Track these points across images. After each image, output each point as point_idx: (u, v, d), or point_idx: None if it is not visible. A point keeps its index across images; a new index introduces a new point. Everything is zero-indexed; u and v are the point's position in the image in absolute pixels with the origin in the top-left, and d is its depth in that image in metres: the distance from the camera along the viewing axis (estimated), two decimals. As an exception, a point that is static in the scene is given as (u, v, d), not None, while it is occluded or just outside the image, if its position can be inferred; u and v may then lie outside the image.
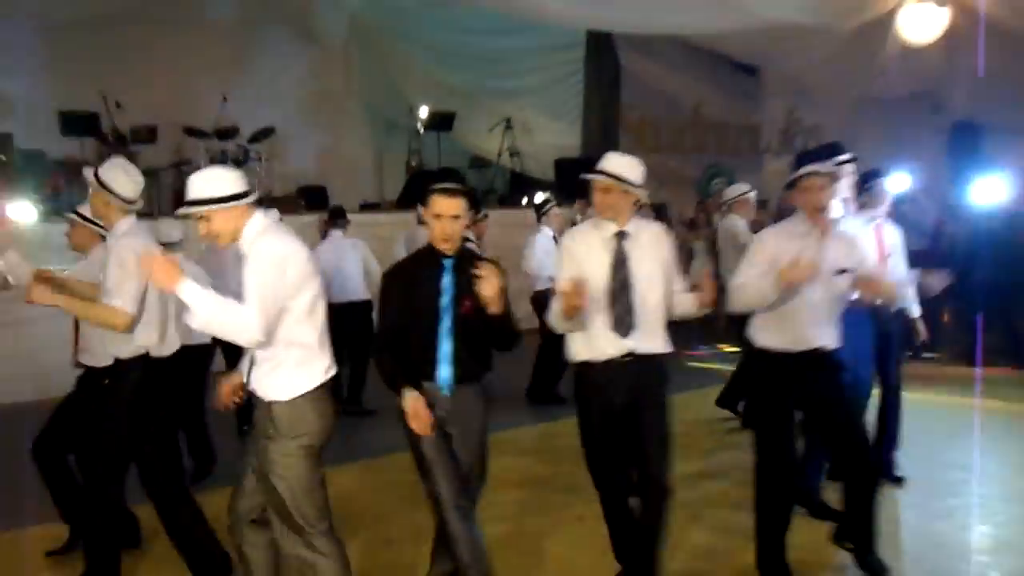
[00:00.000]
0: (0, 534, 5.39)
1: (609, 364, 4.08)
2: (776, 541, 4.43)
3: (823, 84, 12.78)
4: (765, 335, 4.42)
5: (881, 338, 5.57)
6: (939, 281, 5.68)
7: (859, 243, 4.70)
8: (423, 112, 13.99)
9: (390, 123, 15.12)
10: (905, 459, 6.22)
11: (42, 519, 5.33)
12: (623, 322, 4.05)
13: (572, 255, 4.17)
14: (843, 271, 4.30)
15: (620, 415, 4.10)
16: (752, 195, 7.66)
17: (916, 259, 6.16)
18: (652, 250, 4.14)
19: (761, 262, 4.28)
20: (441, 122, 13.99)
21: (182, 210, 3.66)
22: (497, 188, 14.35)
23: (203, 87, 11.89)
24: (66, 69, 11.29)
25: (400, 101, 14.54)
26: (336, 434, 3.67)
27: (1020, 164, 9.84)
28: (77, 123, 10.98)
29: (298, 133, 12.58)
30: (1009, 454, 6.81)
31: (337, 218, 8.35)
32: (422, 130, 14.05)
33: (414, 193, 12.35)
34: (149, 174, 11.54)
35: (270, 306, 3.38)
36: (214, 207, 3.54)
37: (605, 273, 4.08)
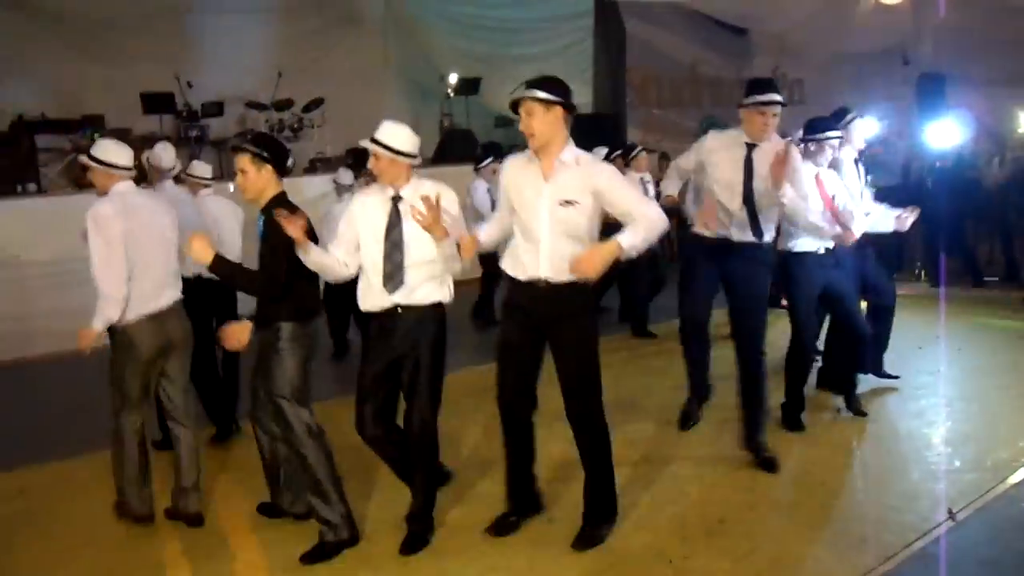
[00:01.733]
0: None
1: (381, 315, 4.06)
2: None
3: (804, 42, 12.71)
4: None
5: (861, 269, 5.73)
6: (909, 216, 5.68)
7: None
8: (452, 79, 14.05)
9: (424, 90, 15.15)
10: (886, 366, 6.44)
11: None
12: (392, 278, 3.98)
13: (352, 216, 4.08)
14: None
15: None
16: None
17: (889, 194, 6.31)
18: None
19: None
20: (468, 87, 14.06)
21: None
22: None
23: (261, 66, 12.00)
24: (145, 56, 11.42)
25: (431, 70, 14.58)
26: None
27: (978, 110, 9.83)
28: (156, 102, 11.15)
29: (344, 102, 12.65)
30: (969, 360, 6.99)
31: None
32: (452, 94, 14.13)
33: (448, 150, 12.55)
34: (218, 143, 11.90)
35: None
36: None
37: (380, 234, 3.99)
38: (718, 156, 5.05)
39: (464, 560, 4.04)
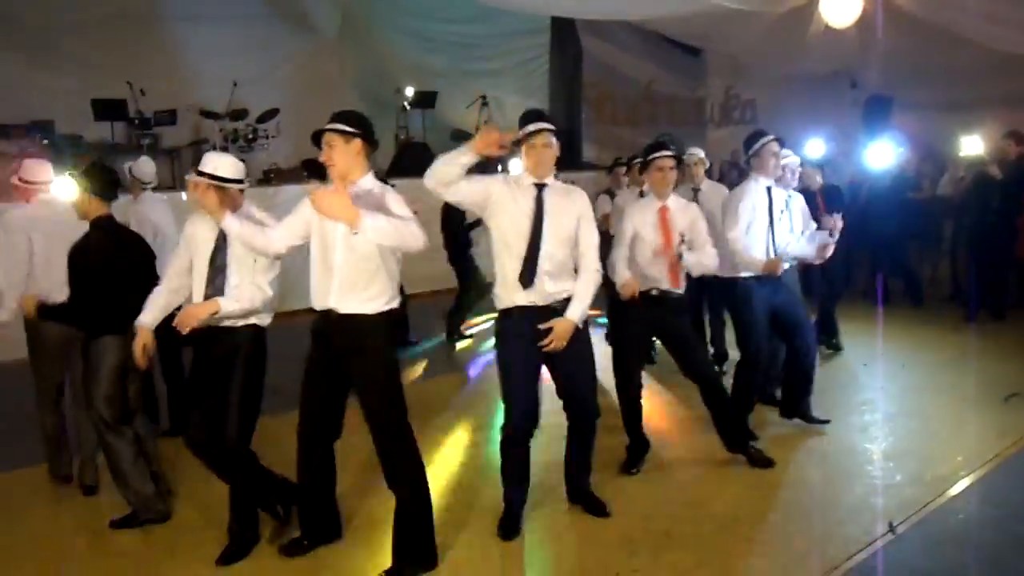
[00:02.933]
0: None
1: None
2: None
3: (756, 63, 12.92)
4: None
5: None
6: (830, 246, 5.61)
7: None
8: (408, 92, 14.04)
9: (380, 102, 15.07)
10: (832, 383, 6.55)
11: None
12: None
13: (187, 239, 4.25)
14: None
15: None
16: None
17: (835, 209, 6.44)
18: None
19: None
20: (424, 100, 14.08)
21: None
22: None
23: (216, 75, 11.83)
24: (97, 63, 11.25)
25: (388, 83, 14.54)
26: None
27: (921, 132, 10.07)
28: (108, 109, 10.97)
29: (299, 113, 12.54)
30: (909, 378, 7.13)
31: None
32: (408, 108, 14.13)
33: (403, 163, 12.54)
34: (171, 152, 11.76)
35: None
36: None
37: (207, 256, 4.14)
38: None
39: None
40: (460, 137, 14.83)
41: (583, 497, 4.66)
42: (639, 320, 5.08)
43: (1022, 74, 10.16)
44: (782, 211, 5.49)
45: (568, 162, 12.29)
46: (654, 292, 5.02)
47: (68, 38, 11.19)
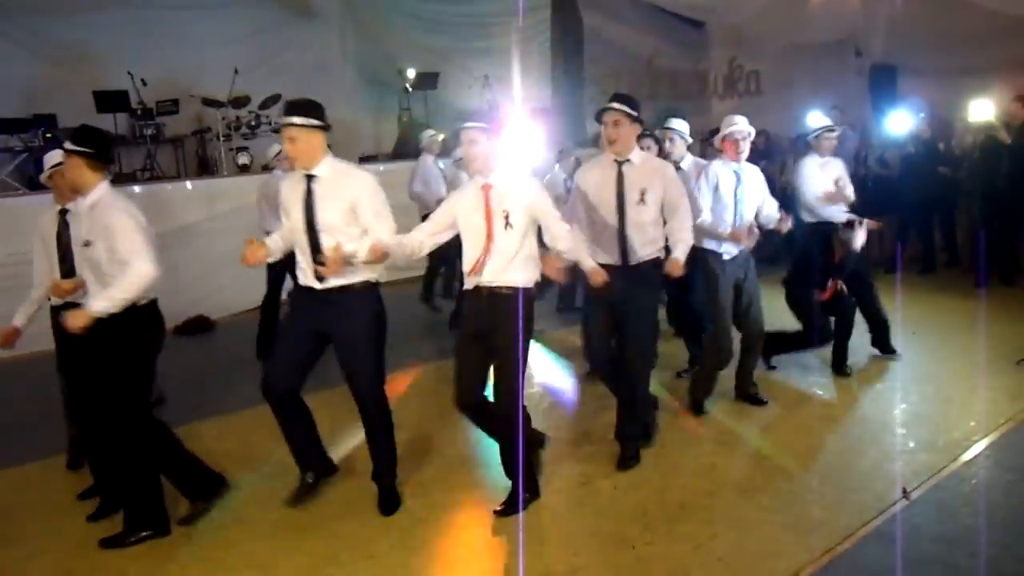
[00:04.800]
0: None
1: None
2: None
3: (759, 34, 12.81)
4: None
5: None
6: (861, 235, 5.97)
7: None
8: (411, 73, 13.99)
9: (382, 85, 15.07)
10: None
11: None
12: None
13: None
14: None
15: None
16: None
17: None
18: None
19: None
20: (427, 81, 14.03)
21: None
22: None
23: (217, 63, 11.78)
24: (98, 54, 11.23)
25: (390, 65, 14.49)
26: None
27: (927, 99, 10.01)
28: (110, 101, 10.95)
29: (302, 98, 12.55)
30: (923, 343, 7.13)
31: None
32: (411, 89, 14.08)
33: (406, 145, 12.52)
34: (175, 141, 11.76)
35: None
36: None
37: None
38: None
39: (431, 552, 4.06)
40: (463, 118, 14.83)
41: None
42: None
43: (1028, 38, 10.08)
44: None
45: (574, 138, 12.27)
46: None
47: (69, 30, 11.17)
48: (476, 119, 4.31)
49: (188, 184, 10.18)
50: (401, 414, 4.76)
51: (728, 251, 5.50)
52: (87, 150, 4.18)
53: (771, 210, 5.70)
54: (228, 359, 7.88)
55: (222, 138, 11.73)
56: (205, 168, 11.98)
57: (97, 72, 11.08)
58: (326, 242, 4.17)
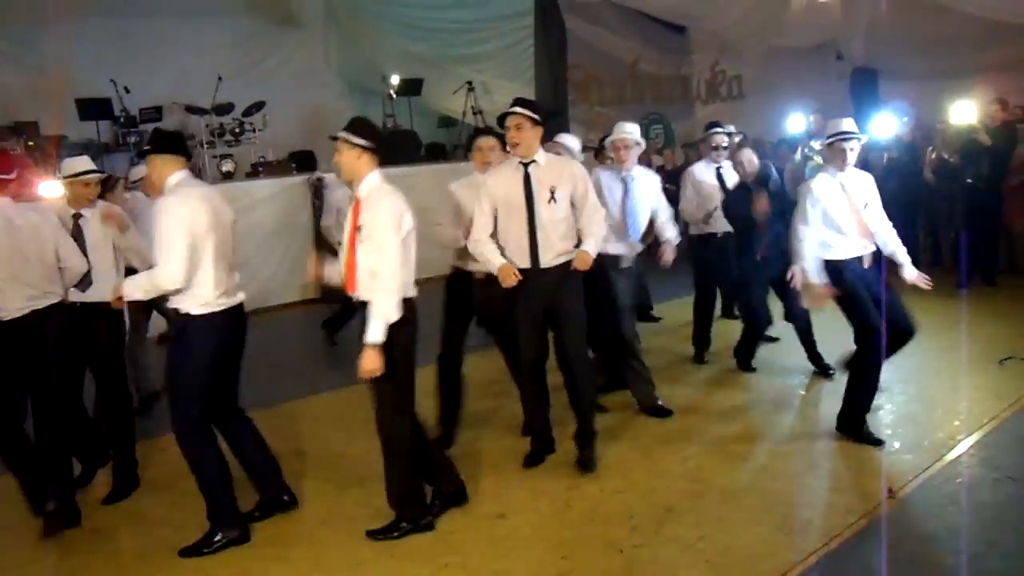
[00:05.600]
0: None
1: None
2: None
3: (741, 38, 12.87)
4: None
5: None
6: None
7: None
8: (395, 80, 14.01)
9: (366, 91, 15.09)
10: (830, 355, 6.59)
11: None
12: None
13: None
14: None
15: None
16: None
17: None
18: None
19: None
20: (411, 88, 14.05)
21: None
22: (463, 143, 14.45)
23: (200, 70, 11.78)
24: (80, 61, 11.17)
25: (374, 71, 14.51)
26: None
27: (909, 103, 10.07)
28: (92, 108, 10.94)
29: (286, 105, 12.53)
30: (909, 345, 7.12)
31: None
32: (395, 96, 14.10)
33: (391, 151, 12.50)
34: (159, 149, 11.70)
35: None
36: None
37: None
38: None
39: (419, 559, 4.04)
40: (447, 124, 14.84)
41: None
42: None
43: (1006, 42, 10.17)
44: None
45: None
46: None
47: (51, 38, 11.12)
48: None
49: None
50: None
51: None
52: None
53: (663, 218, 5.85)
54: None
55: (206, 145, 11.69)
56: (189, 175, 11.92)
57: (79, 80, 11.02)
58: None
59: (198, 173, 11.70)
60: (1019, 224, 9.50)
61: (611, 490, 4.62)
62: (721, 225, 6.77)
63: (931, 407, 5.67)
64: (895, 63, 11.33)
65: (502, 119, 4.82)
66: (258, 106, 12.16)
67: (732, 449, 5.15)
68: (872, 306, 5.03)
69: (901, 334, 5.10)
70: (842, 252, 5.10)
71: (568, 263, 4.75)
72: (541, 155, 4.78)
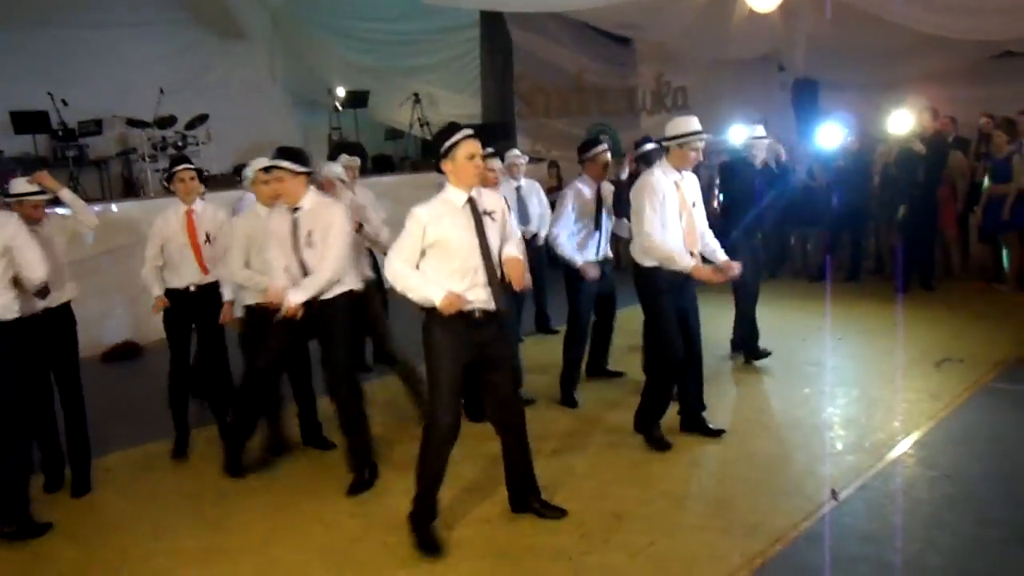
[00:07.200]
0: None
1: None
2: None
3: (685, 50, 13.06)
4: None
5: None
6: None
7: None
8: (340, 92, 13.98)
9: (312, 103, 15.01)
10: (773, 359, 6.76)
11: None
12: None
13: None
14: None
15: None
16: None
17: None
18: None
19: None
20: (357, 100, 14.03)
21: None
22: (410, 155, 14.46)
23: (141, 83, 11.57)
24: (13, 72, 10.94)
25: (319, 83, 14.45)
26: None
27: (848, 113, 10.31)
28: (28, 121, 10.67)
29: (230, 118, 12.38)
30: (849, 348, 7.33)
31: None
32: (340, 108, 14.05)
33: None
34: (99, 163, 11.49)
35: None
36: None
37: None
38: None
39: (366, 572, 4.03)
40: (394, 136, 14.82)
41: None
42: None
43: (940, 53, 10.50)
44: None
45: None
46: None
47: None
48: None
49: (114, 207, 9.95)
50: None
51: None
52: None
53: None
54: (156, 386, 7.66)
55: (148, 159, 11.50)
56: (131, 190, 11.70)
57: (14, 92, 10.74)
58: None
59: (140, 188, 11.52)
60: (951, 230, 9.79)
61: (560, 499, 4.64)
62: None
63: (872, 409, 5.79)
64: (834, 74, 11.60)
65: (265, 171, 5.19)
66: (201, 119, 12.01)
67: (678, 456, 5.20)
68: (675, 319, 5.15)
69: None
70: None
71: (340, 295, 4.98)
72: (307, 199, 4.94)
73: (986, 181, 9.11)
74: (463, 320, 4.08)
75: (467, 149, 4.07)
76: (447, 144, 4.08)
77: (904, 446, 5.10)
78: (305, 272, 4.92)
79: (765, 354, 6.93)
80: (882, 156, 9.87)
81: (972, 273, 9.78)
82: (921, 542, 3.95)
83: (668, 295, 5.13)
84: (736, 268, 5.23)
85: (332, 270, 4.86)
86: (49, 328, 5.06)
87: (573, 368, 6.35)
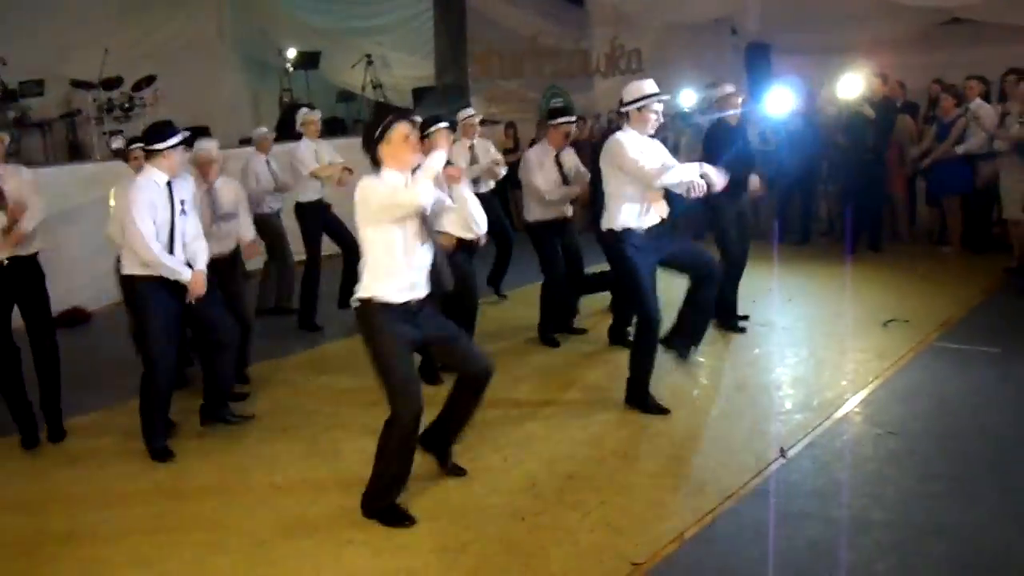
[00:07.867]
0: None
1: None
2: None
3: (639, 13, 12.99)
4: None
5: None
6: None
7: None
8: (291, 53, 13.75)
9: (262, 65, 14.73)
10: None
11: None
12: None
13: None
14: None
15: None
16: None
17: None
18: None
19: None
20: (308, 61, 13.81)
21: None
22: (363, 117, 14.25)
23: (86, 42, 11.25)
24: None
25: (269, 44, 14.20)
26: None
27: (799, 76, 10.34)
28: (-35, 82, 10.36)
29: (178, 79, 12.09)
30: (799, 310, 7.43)
31: None
32: (291, 69, 13.82)
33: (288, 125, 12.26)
34: (42, 125, 11.16)
35: None
36: None
37: None
38: None
39: (320, 536, 4.02)
40: (346, 98, 14.60)
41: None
42: None
43: (890, 19, 10.57)
44: None
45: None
46: None
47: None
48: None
49: (58, 169, 9.68)
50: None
51: None
52: None
53: None
54: (107, 351, 7.55)
55: (94, 121, 11.20)
56: (77, 153, 11.40)
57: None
58: None
59: (87, 151, 11.23)
60: (900, 193, 9.92)
61: (514, 460, 4.67)
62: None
63: (820, 369, 5.89)
64: (786, 38, 11.62)
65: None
66: (149, 80, 11.71)
67: (634, 417, 5.25)
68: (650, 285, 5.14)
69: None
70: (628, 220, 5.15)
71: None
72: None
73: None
74: (399, 312, 3.99)
75: (400, 131, 3.96)
76: (380, 130, 3.97)
77: (851, 404, 5.21)
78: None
79: (739, 328, 6.82)
80: (832, 120, 9.94)
81: (919, 236, 9.95)
82: (866, 497, 4.04)
83: (640, 253, 5.11)
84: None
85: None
86: (17, 278, 5.13)
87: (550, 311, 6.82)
